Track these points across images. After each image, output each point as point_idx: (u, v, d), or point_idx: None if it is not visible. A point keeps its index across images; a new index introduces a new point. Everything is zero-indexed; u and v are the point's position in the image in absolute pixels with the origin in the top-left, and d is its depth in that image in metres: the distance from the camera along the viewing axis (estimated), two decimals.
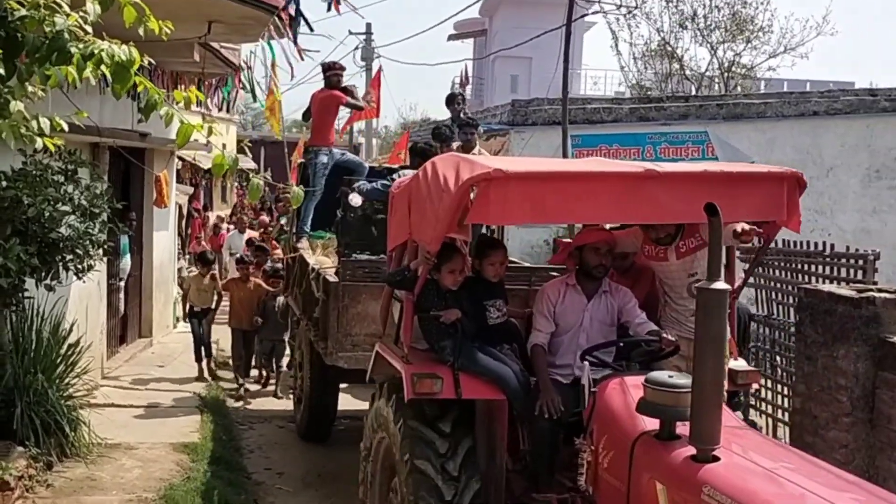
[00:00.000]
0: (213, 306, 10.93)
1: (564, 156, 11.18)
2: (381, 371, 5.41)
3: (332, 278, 7.05)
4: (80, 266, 7.06)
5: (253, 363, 10.95)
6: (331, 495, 7.20)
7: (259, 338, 10.52)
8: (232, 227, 18.21)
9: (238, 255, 11.68)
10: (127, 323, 11.58)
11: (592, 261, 5.03)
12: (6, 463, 6.05)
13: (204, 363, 10.83)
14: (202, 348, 10.83)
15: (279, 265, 10.62)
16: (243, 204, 24.75)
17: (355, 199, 7.62)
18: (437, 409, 4.77)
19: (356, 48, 32.37)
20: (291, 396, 9.58)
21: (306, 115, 9.88)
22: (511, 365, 4.90)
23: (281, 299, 10.05)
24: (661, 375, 3.84)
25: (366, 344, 6.62)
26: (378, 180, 8.04)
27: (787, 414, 7.18)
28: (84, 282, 7.53)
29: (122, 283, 10.95)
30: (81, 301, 8.64)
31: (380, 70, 13.48)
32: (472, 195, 4.14)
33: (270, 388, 10.71)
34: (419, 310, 4.93)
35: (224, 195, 27.93)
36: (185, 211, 17.87)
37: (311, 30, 10.11)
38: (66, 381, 7.29)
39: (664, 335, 4.81)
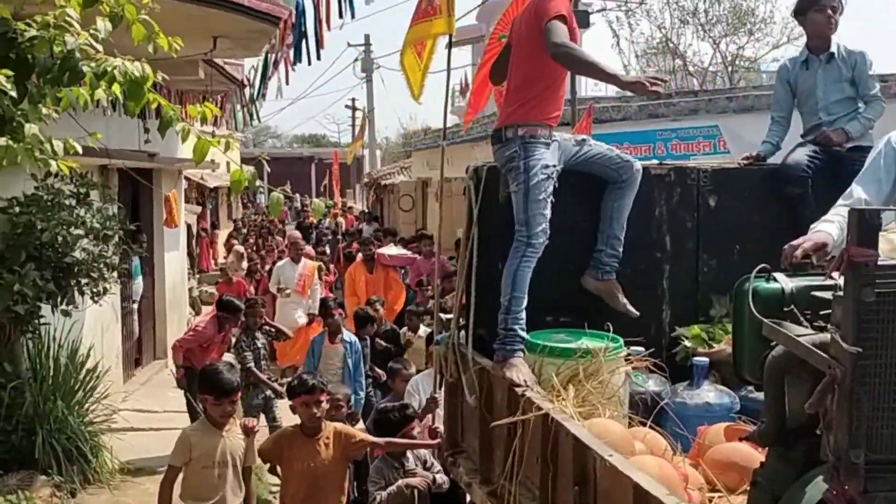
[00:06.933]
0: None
1: None
2: None
3: None
4: (95, 289, 6.99)
5: None
6: None
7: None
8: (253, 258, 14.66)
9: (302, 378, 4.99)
10: (142, 346, 11.49)
11: None
12: (30, 493, 5.97)
13: None
14: None
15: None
16: (253, 222, 24.49)
17: None
18: None
19: (355, 60, 32.47)
20: None
21: (498, 71, 4.46)
22: None
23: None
24: None
25: None
26: None
27: None
28: (100, 305, 7.46)
29: (136, 306, 10.87)
30: (97, 325, 8.55)
31: None
32: None
33: None
34: None
35: (230, 213, 27.88)
36: (193, 231, 17.82)
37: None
38: (86, 406, 7.22)
39: None
